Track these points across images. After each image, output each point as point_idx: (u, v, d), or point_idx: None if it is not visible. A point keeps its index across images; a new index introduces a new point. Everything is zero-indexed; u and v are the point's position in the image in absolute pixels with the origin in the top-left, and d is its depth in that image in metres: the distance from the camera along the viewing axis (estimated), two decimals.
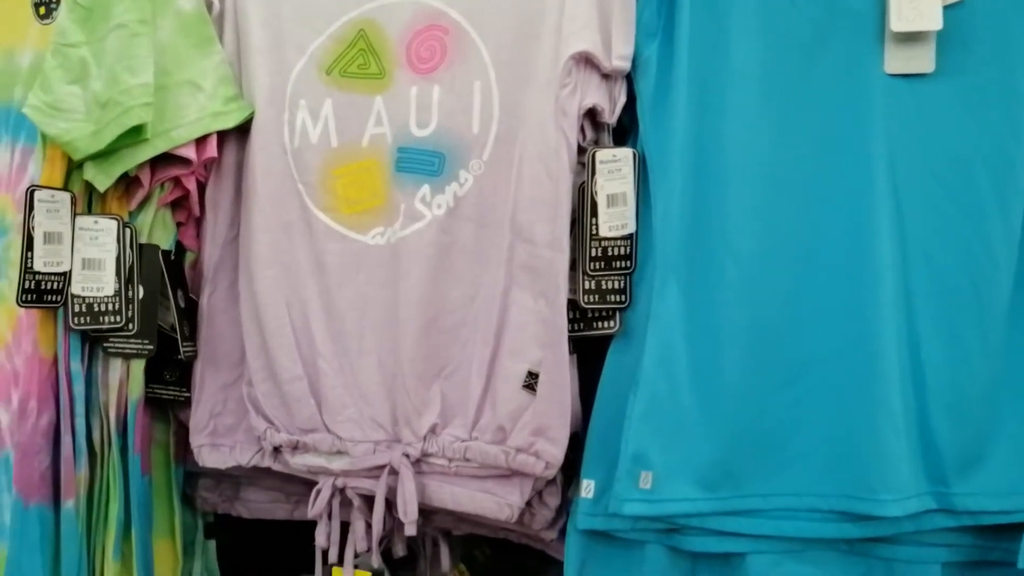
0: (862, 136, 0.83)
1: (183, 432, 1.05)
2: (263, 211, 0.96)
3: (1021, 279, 0.82)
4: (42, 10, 0.98)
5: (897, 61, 0.83)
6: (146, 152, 0.91)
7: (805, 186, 0.84)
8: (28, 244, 0.90)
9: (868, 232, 0.82)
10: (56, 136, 0.89)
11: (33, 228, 0.90)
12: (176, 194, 0.99)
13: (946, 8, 0.81)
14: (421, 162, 0.92)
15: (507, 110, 0.90)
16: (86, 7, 0.92)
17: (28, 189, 0.90)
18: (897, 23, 0.81)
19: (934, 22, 0.80)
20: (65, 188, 0.92)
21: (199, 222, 1.03)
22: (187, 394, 1.02)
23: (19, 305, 0.91)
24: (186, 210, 1.01)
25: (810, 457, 0.84)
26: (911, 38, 0.82)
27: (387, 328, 0.93)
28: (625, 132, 0.91)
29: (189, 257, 1.03)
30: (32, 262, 0.90)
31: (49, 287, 0.92)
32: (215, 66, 0.97)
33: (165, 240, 0.99)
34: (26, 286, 0.90)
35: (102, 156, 0.91)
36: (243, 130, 0.98)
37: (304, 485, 1.08)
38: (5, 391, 0.97)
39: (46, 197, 0.90)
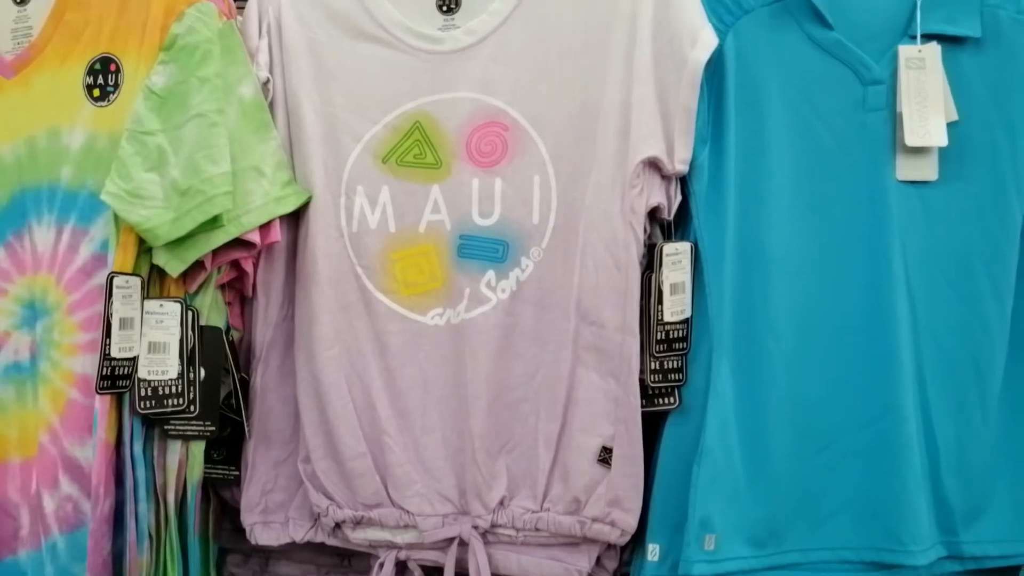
0: (880, 233, 0.96)
1: (220, 509, 1.06)
2: (323, 293, 0.99)
3: (1012, 354, 0.97)
4: (96, 92, 0.98)
5: (907, 170, 0.97)
6: (220, 238, 0.93)
7: (835, 276, 0.97)
8: (107, 331, 0.90)
9: (888, 316, 0.95)
10: (137, 223, 0.90)
11: (111, 315, 0.90)
12: (230, 276, 1.01)
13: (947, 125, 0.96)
14: (486, 249, 0.99)
15: (564, 202, 0.98)
16: (162, 96, 0.94)
17: (108, 276, 0.90)
18: (911, 139, 0.95)
19: (941, 139, 0.95)
20: (135, 273, 0.93)
21: (243, 302, 1.05)
22: (235, 472, 1.03)
23: (98, 393, 0.90)
24: (235, 291, 1.03)
25: (842, 514, 0.96)
26: (918, 151, 0.96)
27: (449, 405, 0.99)
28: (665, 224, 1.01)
29: (235, 336, 1.04)
30: (110, 348, 0.90)
31: (121, 372, 0.92)
32: (273, 151, 1.00)
33: (219, 320, 1.00)
34: (104, 373, 0.90)
35: (177, 242, 0.92)
36: (292, 214, 1.01)
37: (335, 556, 1.11)
38: (51, 477, 0.96)
39: (121, 283, 0.91)
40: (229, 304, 1.03)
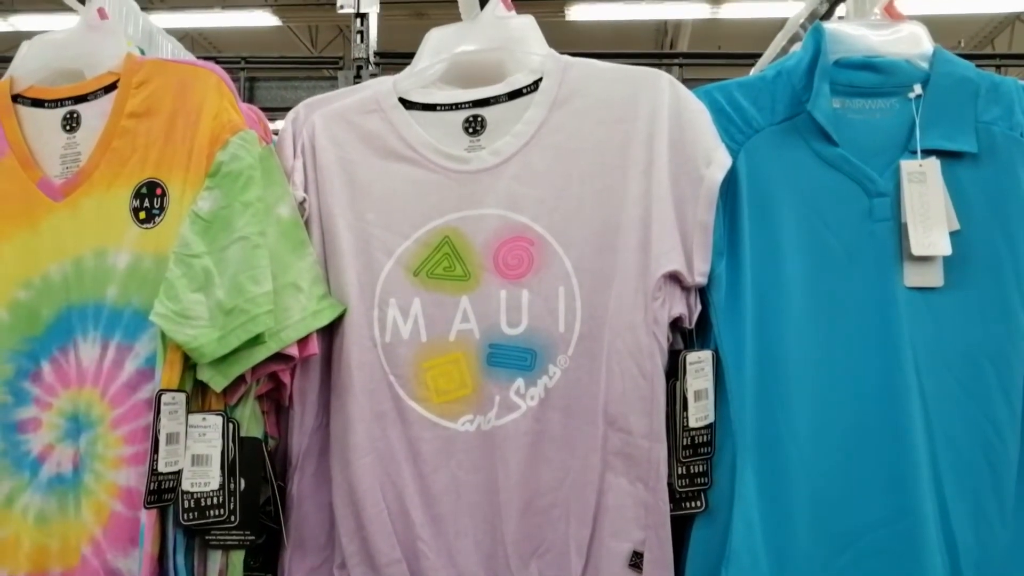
0: (891, 336, 1.01)
1: None
2: (358, 402, 1.03)
3: None
4: (142, 215, 1.04)
5: (914, 276, 1.02)
6: (261, 353, 0.98)
7: (849, 378, 1.01)
8: (155, 447, 0.93)
9: (902, 417, 0.99)
10: (184, 342, 0.95)
11: (159, 431, 0.93)
12: (268, 387, 1.05)
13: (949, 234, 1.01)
14: (514, 357, 1.03)
15: (588, 312, 1.02)
16: (207, 220, 0.99)
17: (157, 393, 0.94)
18: (917, 249, 1.00)
19: (945, 248, 1.00)
20: (181, 389, 0.97)
21: (279, 410, 1.09)
22: None
23: (146, 508, 0.93)
24: (271, 400, 1.07)
25: None
26: (924, 259, 1.01)
27: (481, 510, 1.02)
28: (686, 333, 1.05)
29: (271, 444, 1.08)
30: (157, 464, 0.93)
31: (167, 486, 0.95)
32: (309, 267, 1.05)
33: (257, 430, 1.04)
34: (151, 488, 0.93)
35: (220, 358, 0.96)
36: (327, 326, 1.05)
37: None
38: None
39: (168, 400, 0.94)
40: (265, 413, 1.07)
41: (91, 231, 1.05)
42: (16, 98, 1.12)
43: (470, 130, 1.10)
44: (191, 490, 0.97)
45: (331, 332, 1.07)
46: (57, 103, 1.11)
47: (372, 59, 1.52)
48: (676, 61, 3.66)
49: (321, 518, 1.06)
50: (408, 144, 1.09)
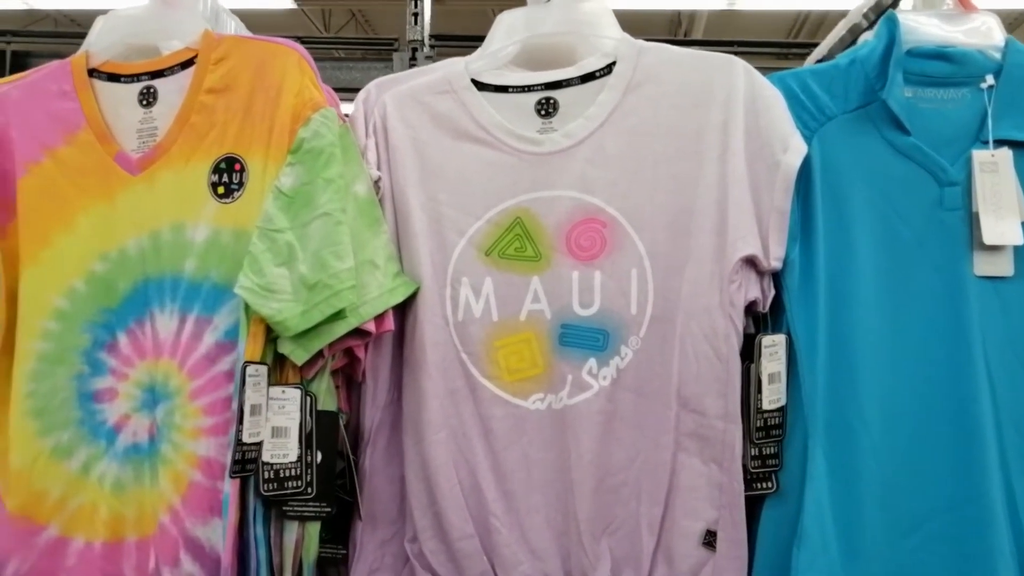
0: (961, 325, 1.02)
1: None
2: (432, 378, 1.05)
3: None
4: (220, 190, 1.05)
5: (984, 266, 1.03)
6: (342, 328, 0.99)
7: (919, 364, 1.02)
8: (240, 418, 0.95)
9: (970, 403, 1.01)
10: (269, 316, 0.96)
11: (244, 402, 0.95)
12: (342, 362, 1.06)
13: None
14: (587, 338, 1.04)
15: (660, 294, 1.04)
16: (290, 196, 1.00)
17: (242, 365, 0.95)
18: (989, 238, 1.01)
19: (1016, 238, 1.01)
20: (263, 362, 0.98)
21: (350, 386, 1.10)
22: (343, 551, 1.07)
23: (231, 477, 0.95)
24: (343, 375, 1.09)
25: None
26: (995, 248, 1.03)
27: (553, 488, 1.03)
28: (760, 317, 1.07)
29: (343, 418, 1.09)
30: (242, 434, 0.95)
31: (250, 457, 0.97)
32: (383, 245, 1.06)
33: (332, 404, 1.05)
34: (236, 458, 0.95)
35: (302, 332, 0.98)
36: (399, 303, 1.07)
37: None
38: (172, 556, 1.00)
39: (252, 372, 0.96)
40: (338, 387, 1.08)
41: (168, 205, 1.06)
42: (92, 72, 1.13)
43: (542, 112, 1.11)
44: (271, 461, 0.98)
45: (403, 309, 1.08)
46: (133, 78, 1.12)
47: (427, 41, 1.53)
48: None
49: (392, 492, 1.08)
50: (480, 125, 1.10)
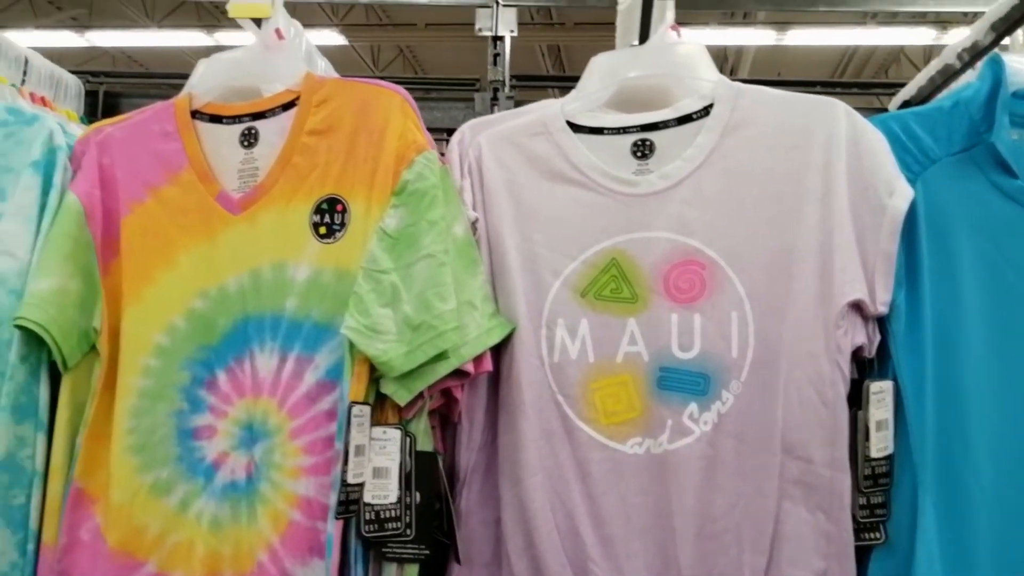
0: None
1: None
2: (529, 420, 1.04)
3: None
4: (322, 230, 1.06)
5: None
6: (444, 369, 0.99)
7: None
8: (345, 458, 0.95)
9: None
10: (374, 356, 0.96)
11: (349, 442, 0.95)
12: (439, 402, 1.06)
13: None
14: (687, 382, 1.03)
15: (761, 338, 1.02)
16: (394, 237, 1.01)
17: (348, 405, 0.96)
18: None
19: None
20: (366, 402, 0.99)
21: (444, 426, 1.10)
22: None
23: (336, 518, 0.95)
24: (437, 416, 1.09)
25: None
26: None
27: (652, 534, 1.02)
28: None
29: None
30: (347, 475, 0.95)
31: (353, 497, 0.97)
32: (480, 285, 1.06)
33: (428, 445, 1.05)
34: (341, 499, 0.95)
35: (405, 372, 0.98)
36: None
37: None
38: None
39: (357, 412, 0.96)
40: (433, 428, 1.08)
41: (269, 244, 1.08)
42: (194, 114, 1.15)
43: (638, 154, 1.11)
44: (372, 502, 0.98)
45: (499, 350, 1.08)
46: (235, 119, 1.14)
47: (508, 81, 1.55)
48: None
49: (487, 534, 1.07)
50: (575, 167, 1.10)
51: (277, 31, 1.16)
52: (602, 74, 1.15)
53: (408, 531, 1.00)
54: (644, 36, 1.23)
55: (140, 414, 1.08)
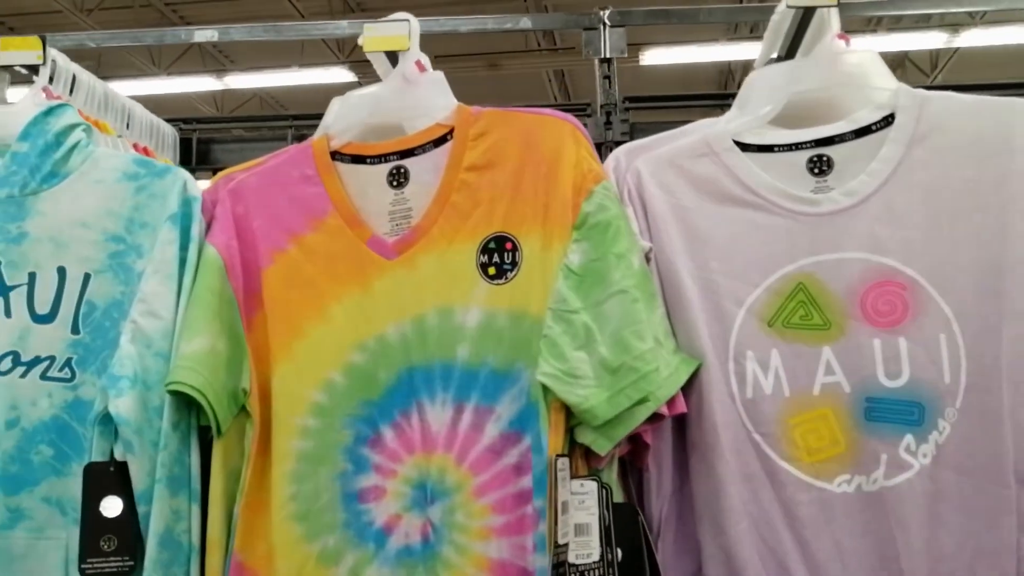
0: None
1: None
2: (727, 463, 0.97)
3: None
4: (491, 270, 0.99)
5: None
6: (643, 414, 0.92)
7: None
8: (555, 517, 0.88)
9: None
10: (576, 404, 0.89)
11: (557, 499, 0.88)
12: (626, 449, 0.99)
13: None
14: (899, 412, 0.96)
15: (974, 360, 0.95)
16: (579, 274, 0.94)
17: (553, 459, 0.89)
18: None
19: None
20: (565, 454, 0.91)
21: (624, 474, 1.03)
22: None
23: None
24: (620, 464, 1.01)
25: None
26: None
27: None
28: None
29: None
30: (557, 535, 0.88)
31: (561, 559, 0.89)
32: (660, 320, 0.99)
33: (619, 496, 0.98)
34: (553, 562, 0.87)
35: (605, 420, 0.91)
36: None
37: None
38: None
39: (561, 466, 0.89)
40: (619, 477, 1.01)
41: (432, 289, 1.01)
42: (333, 155, 1.09)
43: (815, 170, 1.04)
44: (576, 562, 0.91)
45: (684, 388, 1.00)
46: (380, 158, 1.08)
47: (621, 103, 1.49)
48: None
49: None
50: (748, 188, 1.04)
51: (418, 63, 1.09)
52: (768, 89, 1.08)
53: None
54: (793, 48, 1.16)
55: (301, 479, 1.00)
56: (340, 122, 1.10)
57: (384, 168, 1.07)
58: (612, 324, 0.92)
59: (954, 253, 0.97)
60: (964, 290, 0.97)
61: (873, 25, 7.41)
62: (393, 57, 1.12)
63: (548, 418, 0.91)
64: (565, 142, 0.99)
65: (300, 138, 1.53)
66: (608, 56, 1.50)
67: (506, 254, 0.99)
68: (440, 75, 1.09)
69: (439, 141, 1.05)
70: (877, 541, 0.94)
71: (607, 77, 1.48)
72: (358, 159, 1.08)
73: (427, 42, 1.11)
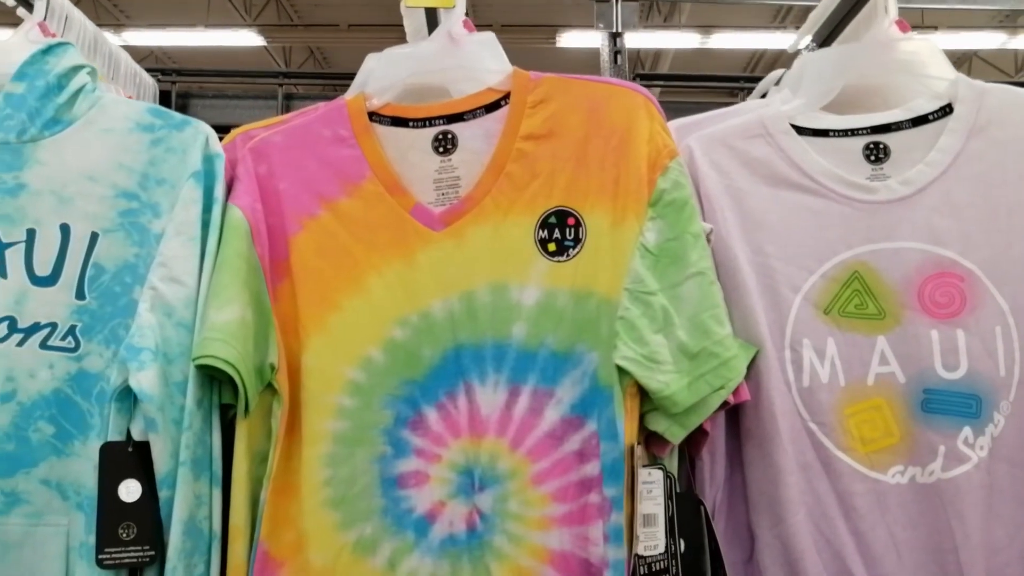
0: None
1: None
2: (785, 452, 0.95)
3: None
4: (551, 247, 0.94)
5: None
6: (716, 401, 0.89)
7: None
8: (633, 508, 0.84)
9: None
10: (657, 390, 0.85)
11: (634, 490, 0.84)
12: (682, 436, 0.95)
13: None
14: (957, 404, 0.95)
15: None
16: (655, 254, 0.90)
17: (629, 447, 0.84)
18: None
19: None
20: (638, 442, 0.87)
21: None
22: None
23: None
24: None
25: None
26: None
27: (929, 570, 0.94)
28: None
29: None
30: (636, 528, 0.83)
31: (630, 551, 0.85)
32: (721, 303, 0.96)
33: (680, 485, 0.94)
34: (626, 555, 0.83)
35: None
36: None
37: None
38: None
39: (639, 455, 0.85)
40: None
41: (484, 264, 0.95)
42: (371, 116, 1.01)
43: (871, 158, 1.03)
44: (643, 554, 0.87)
45: None
46: (424, 122, 1.00)
47: (630, 79, 1.45)
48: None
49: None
50: (804, 172, 1.02)
51: (466, 22, 1.02)
52: (821, 73, 1.06)
53: None
54: (834, 33, 1.14)
55: (337, 463, 0.93)
56: (378, 81, 1.02)
57: (429, 132, 1.00)
58: (690, 307, 0.88)
59: (1010, 246, 0.98)
60: (1018, 283, 0.97)
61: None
62: (431, 20, 1.04)
63: (624, 404, 0.87)
64: (638, 114, 0.94)
65: (289, 97, 1.43)
66: (618, 30, 1.45)
67: (568, 230, 0.94)
68: (491, 36, 1.02)
69: (492, 107, 0.99)
70: (932, 533, 0.94)
71: (617, 52, 1.43)
72: (399, 121, 1.01)
73: None
